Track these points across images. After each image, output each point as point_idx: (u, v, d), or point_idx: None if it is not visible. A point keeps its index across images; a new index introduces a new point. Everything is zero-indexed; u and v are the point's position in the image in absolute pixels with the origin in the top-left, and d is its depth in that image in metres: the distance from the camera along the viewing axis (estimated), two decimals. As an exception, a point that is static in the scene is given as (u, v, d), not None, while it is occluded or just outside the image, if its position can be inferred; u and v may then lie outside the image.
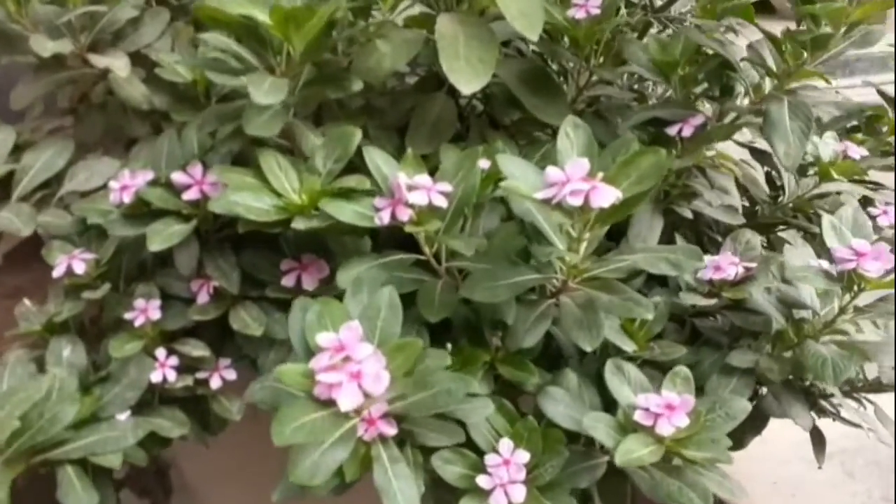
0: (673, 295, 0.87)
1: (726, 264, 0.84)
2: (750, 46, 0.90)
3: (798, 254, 0.87)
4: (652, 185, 0.62)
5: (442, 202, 0.70)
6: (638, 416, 0.70)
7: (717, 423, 0.72)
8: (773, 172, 1.04)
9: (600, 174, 0.63)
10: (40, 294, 1.06)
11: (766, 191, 1.01)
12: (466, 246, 0.70)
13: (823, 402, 0.91)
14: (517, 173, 0.67)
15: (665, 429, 0.68)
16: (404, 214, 0.71)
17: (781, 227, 1.05)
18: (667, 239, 0.91)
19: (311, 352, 0.63)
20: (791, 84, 0.86)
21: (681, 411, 0.69)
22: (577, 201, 0.61)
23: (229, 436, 0.90)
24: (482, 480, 0.68)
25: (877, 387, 0.92)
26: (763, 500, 1.13)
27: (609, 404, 0.77)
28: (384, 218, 0.71)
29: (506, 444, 0.70)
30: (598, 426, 0.70)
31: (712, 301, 0.86)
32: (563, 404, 0.75)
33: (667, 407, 0.69)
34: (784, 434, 0.92)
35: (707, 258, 0.86)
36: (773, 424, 0.90)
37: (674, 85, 0.92)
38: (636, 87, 1.11)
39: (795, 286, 0.85)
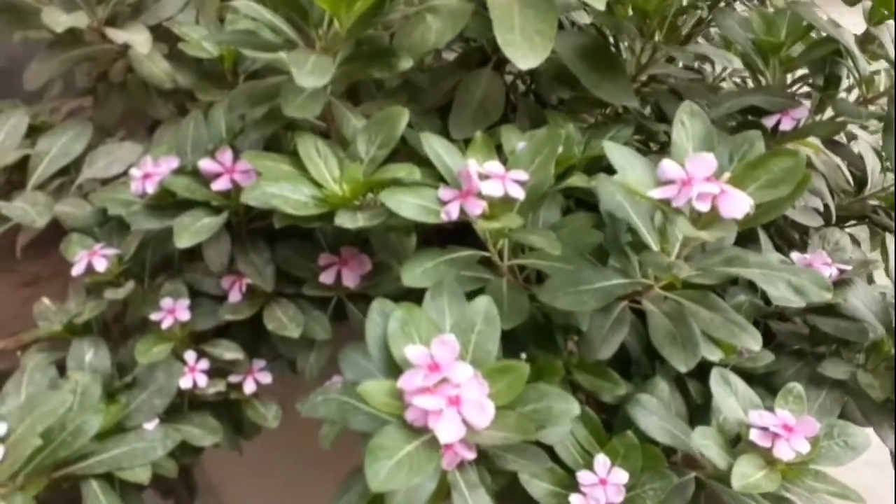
0: (753, 293, 0.79)
1: (819, 263, 0.77)
2: (867, 33, 0.81)
3: None
4: (786, 192, 0.55)
5: (518, 193, 0.62)
6: (754, 436, 0.63)
7: (834, 451, 0.65)
8: (849, 164, 0.95)
9: (726, 174, 0.55)
10: (59, 282, 1.01)
11: (847, 179, 0.93)
12: (549, 243, 0.62)
13: None
14: (625, 164, 0.59)
15: (784, 452, 0.62)
16: (476, 208, 0.62)
17: (854, 221, 0.98)
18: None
19: (394, 365, 0.55)
20: None
21: (800, 434, 0.63)
22: (704, 206, 0.53)
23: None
24: (576, 501, 0.62)
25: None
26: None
27: (693, 412, 0.72)
28: (452, 213, 0.62)
29: (602, 461, 0.65)
30: (709, 444, 0.64)
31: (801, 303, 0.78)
32: (657, 415, 0.68)
33: (784, 427, 0.63)
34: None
35: (795, 255, 0.80)
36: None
37: (772, 69, 0.84)
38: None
39: None
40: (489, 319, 0.58)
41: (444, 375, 0.53)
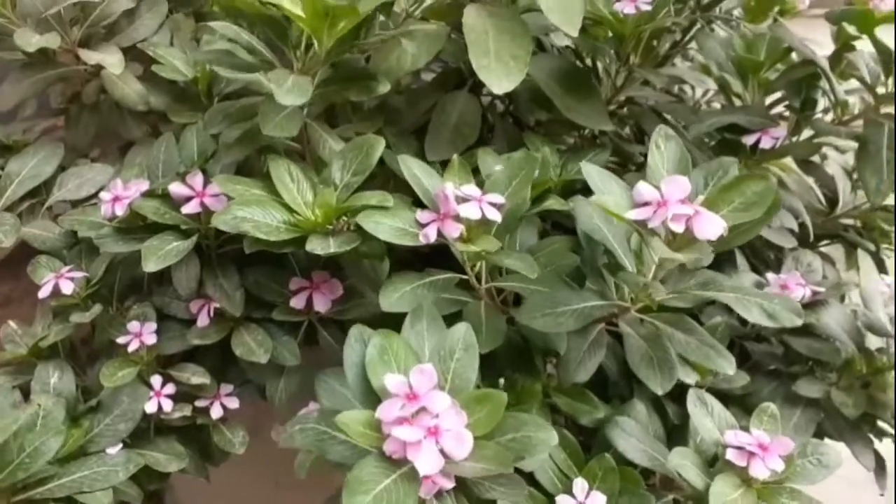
0: (729, 314, 0.80)
1: (794, 285, 0.78)
2: (841, 56, 0.82)
3: (869, 278, 0.80)
4: (758, 215, 0.56)
5: (496, 216, 0.62)
6: (730, 455, 0.64)
7: (808, 469, 0.65)
8: (820, 184, 0.97)
9: (700, 197, 0.57)
10: (30, 303, 0.99)
11: (819, 199, 0.94)
12: (527, 266, 0.62)
13: (882, 424, 0.83)
14: (602, 186, 0.60)
15: (759, 471, 0.62)
16: (454, 230, 0.62)
17: (827, 241, 0.99)
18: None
19: (371, 393, 0.55)
20: (890, 107, 0.79)
21: (774, 453, 0.63)
22: (679, 227, 0.54)
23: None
24: None
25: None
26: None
27: (670, 432, 0.72)
28: (430, 235, 0.62)
29: (580, 484, 0.65)
30: (687, 464, 0.64)
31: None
32: (635, 437, 0.69)
33: (759, 446, 0.63)
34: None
35: (771, 276, 0.81)
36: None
37: (751, 89, 0.85)
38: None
39: (874, 311, 0.79)
40: (468, 346, 0.58)
41: (422, 405, 0.52)
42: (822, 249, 1.00)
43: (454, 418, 0.52)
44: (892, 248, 1.00)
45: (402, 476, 0.51)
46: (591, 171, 0.61)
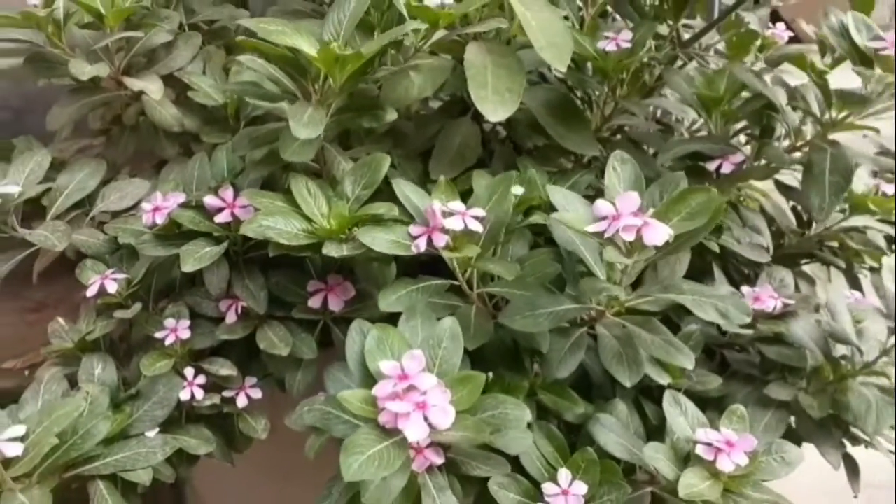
0: (706, 323, 0.86)
1: (766, 297, 0.85)
2: (795, 91, 0.90)
3: (835, 292, 0.87)
4: (703, 222, 0.63)
5: (477, 226, 0.71)
6: (700, 450, 0.70)
7: (772, 466, 0.72)
8: (799, 207, 1.04)
9: (650, 210, 0.64)
10: (64, 308, 1.07)
11: (793, 221, 1.02)
12: (507, 270, 0.70)
13: (856, 430, 0.88)
14: (566, 204, 0.68)
15: (725, 465, 0.68)
16: (441, 240, 0.70)
17: (806, 260, 1.05)
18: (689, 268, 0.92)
19: (369, 377, 0.63)
20: (835, 133, 0.86)
21: (740, 449, 0.69)
22: (630, 236, 0.62)
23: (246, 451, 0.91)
24: None
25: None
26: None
27: (650, 432, 0.78)
28: (421, 245, 0.71)
29: (564, 474, 0.71)
30: (659, 457, 0.71)
31: (749, 331, 0.86)
32: (615, 433, 0.75)
33: (727, 443, 0.70)
34: (805, 464, 0.91)
35: (745, 289, 0.88)
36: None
37: (714, 120, 0.93)
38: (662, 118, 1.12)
39: (839, 322, 0.84)
40: (454, 337, 0.67)
41: (412, 384, 0.61)
42: (805, 269, 1.06)
43: (440, 395, 0.61)
44: (866, 266, 1.07)
45: (393, 444, 0.60)
46: (555, 192, 0.70)
